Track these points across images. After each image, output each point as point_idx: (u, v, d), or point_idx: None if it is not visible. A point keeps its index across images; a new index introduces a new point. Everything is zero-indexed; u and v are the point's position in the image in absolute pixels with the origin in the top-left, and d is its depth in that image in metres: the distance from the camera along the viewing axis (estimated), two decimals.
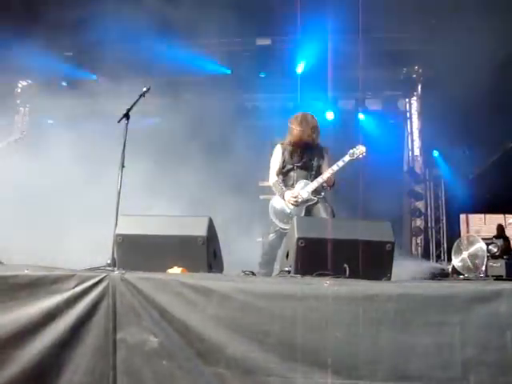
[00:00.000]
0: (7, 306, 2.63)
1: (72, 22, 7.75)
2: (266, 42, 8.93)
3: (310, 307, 2.41)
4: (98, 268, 3.16)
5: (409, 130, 10.19)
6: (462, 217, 9.55)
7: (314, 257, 3.01)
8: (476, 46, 6.72)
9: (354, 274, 2.82)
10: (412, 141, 10.12)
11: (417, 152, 10.06)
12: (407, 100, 10.24)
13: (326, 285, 2.46)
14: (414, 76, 9.83)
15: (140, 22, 7.54)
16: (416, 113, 10.15)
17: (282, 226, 4.76)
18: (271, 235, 4.82)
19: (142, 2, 7.34)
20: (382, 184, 8.48)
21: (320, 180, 4.79)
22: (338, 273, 2.80)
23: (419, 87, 9.94)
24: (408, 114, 10.23)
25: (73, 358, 2.57)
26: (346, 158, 4.82)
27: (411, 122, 10.19)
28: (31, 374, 2.54)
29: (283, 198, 4.82)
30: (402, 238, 8.99)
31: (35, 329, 2.59)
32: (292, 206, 4.77)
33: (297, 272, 3.01)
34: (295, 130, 4.87)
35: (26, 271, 2.73)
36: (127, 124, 4.20)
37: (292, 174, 4.92)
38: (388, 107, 9.99)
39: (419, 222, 9.84)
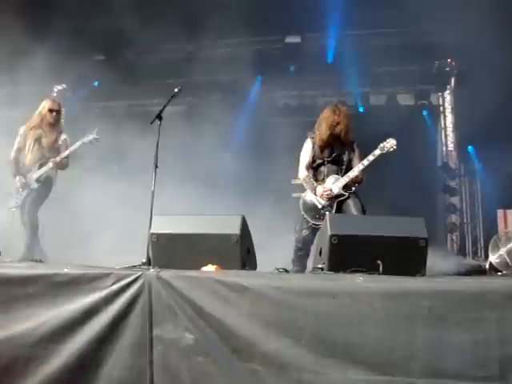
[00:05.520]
0: (50, 303, 2.74)
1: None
2: (296, 39, 8.92)
3: (344, 304, 2.40)
4: (133, 266, 3.23)
5: (442, 125, 9.99)
6: (500, 212, 9.31)
7: (347, 253, 3.00)
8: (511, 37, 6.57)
9: (388, 271, 2.80)
10: (446, 135, 9.93)
11: (451, 147, 9.87)
12: (440, 94, 10.04)
13: (360, 281, 2.46)
14: (448, 69, 9.61)
15: (169, 23, 7.63)
16: (449, 107, 9.95)
17: (314, 221, 4.76)
18: (304, 231, 4.82)
19: (169, 3, 7.44)
20: (415, 180, 8.37)
21: (351, 175, 4.76)
22: (371, 269, 2.79)
23: (452, 80, 9.74)
24: (441, 108, 10.03)
25: (111, 353, 2.64)
26: (377, 152, 4.78)
27: (445, 117, 9.99)
28: (73, 367, 2.63)
29: (315, 193, 4.81)
30: (436, 234, 8.84)
31: (76, 325, 2.68)
32: (323, 201, 4.77)
33: (330, 269, 3.00)
34: (328, 120, 4.84)
35: (65, 269, 2.82)
36: (160, 125, 4.27)
37: (322, 168, 4.90)
38: (420, 101, 9.83)
39: (454, 218, 9.67)
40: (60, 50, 8.12)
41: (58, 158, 5.60)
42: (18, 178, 5.65)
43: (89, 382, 2.63)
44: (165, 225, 3.34)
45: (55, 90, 10.82)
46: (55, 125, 5.78)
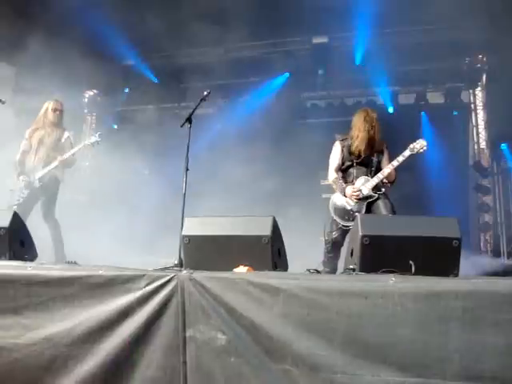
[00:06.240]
0: (86, 303, 2.80)
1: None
2: (323, 40, 8.89)
3: (376, 304, 2.39)
4: (166, 268, 3.28)
5: (474, 123, 9.81)
6: None
7: (378, 254, 2.97)
8: None
9: (420, 272, 2.77)
10: (477, 133, 9.74)
11: (483, 145, 9.68)
12: (471, 91, 9.85)
13: (392, 282, 2.43)
14: (478, 65, 9.44)
15: (197, 26, 7.72)
16: (481, 104, 9.76)
17: (344, 223, 4.75)
18: (333, 233, 4.81)
19: (196, 7, 7.51)
20: (446, 179, 8.26)
21: (380, 176, 4.75)
22: (403, 270, 2.76)
23: (484, 77, 9.56)
24: (472, 106, 9.85)
25: (146, 353, 2.68)
26: (407, 153, 4.75)
27: (476, 114, 9.81)
28: (109, 367, 2.68)
29: (344, 194, 4.80)
30: (469, 234, 8.70)
31: (112, 325, 2.73)
32: (353, 203, 4.76)
33: (362, 270, 2.99)
34: (359, 127, 4.85)
35: (100, 271, 2.88)
36: (190, 128, 4.33)
37: (352, 170, 4.91)
38: (451, 99, 9.67)
39: (487, 218, 9.48)
40: (90, 56, 8.30)
41: (64, 156, 5.76)
42: (21, 177, 5.83)
43: (124, 381, 2.67)
44: (196, 227, 3.36)
45: (86, 95, 11.07)
46: (58, 124, 6.00)
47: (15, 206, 5.70)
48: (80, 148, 5.86)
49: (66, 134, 6.00)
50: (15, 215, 3.73)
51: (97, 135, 5.90)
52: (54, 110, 5.95)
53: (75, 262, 3.74)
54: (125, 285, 2.80)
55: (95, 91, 11.05)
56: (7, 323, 2.88)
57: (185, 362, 2.62)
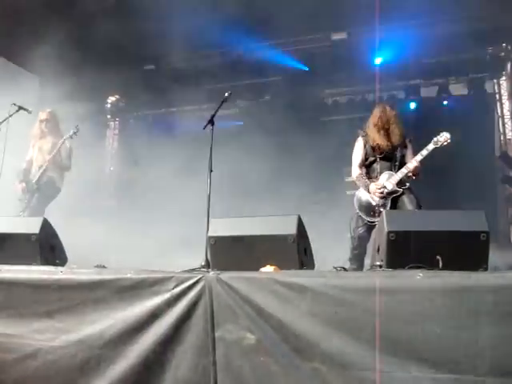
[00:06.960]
0: (116, 306, 2.86)
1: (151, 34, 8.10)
2: (342, 35, 8.83)
3: (404, 300, 2.37)
4: (193, 269, 3.31)
5: (499, 113, 9.60)
6: None
7: (405, 250, 2.95)
8: None
9: (448, 266, 2.74)
10: (503, 124, 9.54)
11: (509, 135, 9.47)
12: (495, 81, 9.64)
13: (420, 277, 2.42)
14: (502, 54, 9.23)
15: (216, 28, 7.75)
16: (506, 93, 9.55)
17: (369, 218, 4.74)
18: (359, 229, 4.80)
19: (214, 9, 7.54)
20: (472, 171, 8.13)
21: (404, 171, 4.71)
22: (430, 265, 2.74)
23: (508, 66, 9.34)
24: (497, 96, 9.64)
25: (176, 354, 2.72)
26: (430, 147, 4.70)
27: (501, 104, 9.60)
28: (140, 368, 2.73)
29: (368, 190, 4.79)
30: (497, 227, 8.53)
31: (141, 327, 2.78)
32: (377, 199, 4.73)
33: (389, 266, 2.97)
34: (374, 124, 4.84)
35: (129, 274, 2.93)
36: (212, 130, 4.35)
37: (375, 165, 4.89)
38: (474, 90, 9.50)
39: None
40: (112, 61, 8.40)
41: (53, 153, 6.02)
42: (22, 183, 6.06)
43: (155, 382, 2.72)
44: (222, 228, 3.38)
45: (109, 101, 11.22)
46: (51, 132, 6.28)
47: (21, 213, 5.89)
48: (61, 143, 6.10)
49: (62, 140, 6.21)
50: (45, 221, 3.82)
51: (74, 127, 6.13)
52: (41, 121, 6.27)
53: (104, 266, 3.80)
54: (153, 287, 2.84)
55: (117, 97, 11.18)
56: (42, 326, 2.97)
57: (214, 362, 2.65)
